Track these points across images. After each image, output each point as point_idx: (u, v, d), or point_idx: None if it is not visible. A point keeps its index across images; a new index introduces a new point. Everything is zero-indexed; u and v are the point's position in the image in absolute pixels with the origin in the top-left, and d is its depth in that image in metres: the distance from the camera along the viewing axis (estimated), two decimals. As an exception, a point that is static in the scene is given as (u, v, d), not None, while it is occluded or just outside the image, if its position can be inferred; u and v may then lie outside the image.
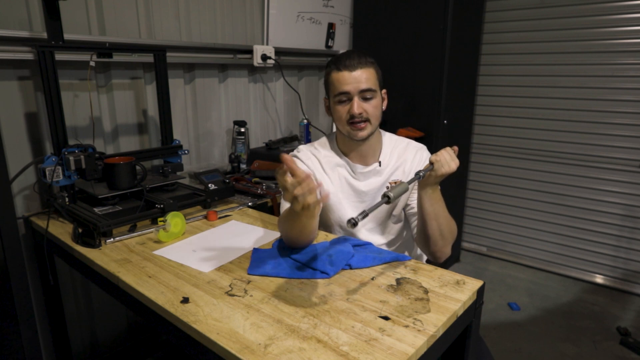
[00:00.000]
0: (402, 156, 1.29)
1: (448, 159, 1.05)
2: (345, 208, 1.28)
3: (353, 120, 1.17)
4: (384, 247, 1.31)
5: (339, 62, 1.18)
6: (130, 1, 1.64)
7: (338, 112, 1.20)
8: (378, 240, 1.31)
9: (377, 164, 1.27)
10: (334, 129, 1.32)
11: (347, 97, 1.17)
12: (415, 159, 1.28)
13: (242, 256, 1.08)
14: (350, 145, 1.26)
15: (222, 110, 2.09)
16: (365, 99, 1.17)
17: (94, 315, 1.71)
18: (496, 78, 2.80)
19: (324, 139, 1.36)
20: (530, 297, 2.52)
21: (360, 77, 1.15)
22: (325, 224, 1.32)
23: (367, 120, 1.18)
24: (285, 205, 1.17)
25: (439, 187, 1.12)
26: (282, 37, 2.25)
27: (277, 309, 0.83)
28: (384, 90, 1.25)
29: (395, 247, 1.34)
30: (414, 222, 1.25)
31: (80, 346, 1.69)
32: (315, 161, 1.29)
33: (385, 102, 1.26)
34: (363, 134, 1.19)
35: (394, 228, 1.31)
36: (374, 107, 1.18)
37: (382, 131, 1.32)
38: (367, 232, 1.30)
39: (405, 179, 1.26)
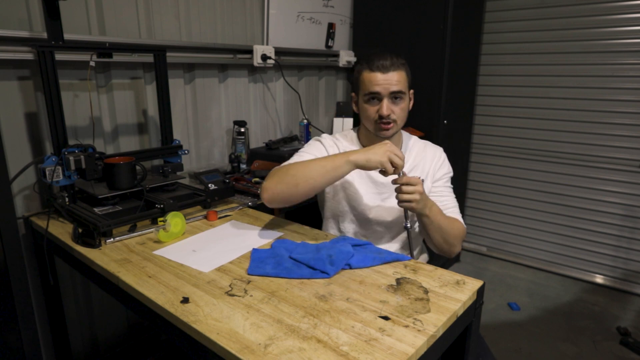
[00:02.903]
0: (421, 155, 1.33)
1: (409, 197, 1.10)
2: (361, 197, 1.30)
3: (381, 121, 1.20)
4: (394, 241, 1.34)
5: (372, 62, 1.20)
6: (130, 1, 1.64)
7: (367, 110, 1.23)
8: (386, 245, 1.32)
9: None
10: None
11: (377, 98, 1.20)
12: (434, 159, 1.32)
13: (242, 256, 1.08)
14: (374, 141, 1.27)
15: (222, 110, 2.09)
16: (395, 101, 1.20)
17: (94, 315, 1.71)
18: (496, 78, 2.80)
19: (347, 132, 1.39)
20: (530, 297, 2.52)
21: (392, 80, 1.18)
22: (338, 210, 1.34)
23: (394, 121, 1.21)
24: (302, 159, 1.20)
25: (428, 209, 1.15)
26: (282, 37, 2.25)
27: (277, 309, 0.83)
28: (411, 91, 1.28)
29: (400, 247, 1.35)
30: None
31: (80, 346, 1.69)
32: (336, 150, 1.31)
33: (411, 102, 1.29)
34: (389, 133, 1.23)
35: (403, 233, 1.33)
36: (402, 109, 1.22)
37: (402, 131, 1.35)
38: (374, 237, 1.31)
39: (424, 177, 1.31)
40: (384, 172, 1.08)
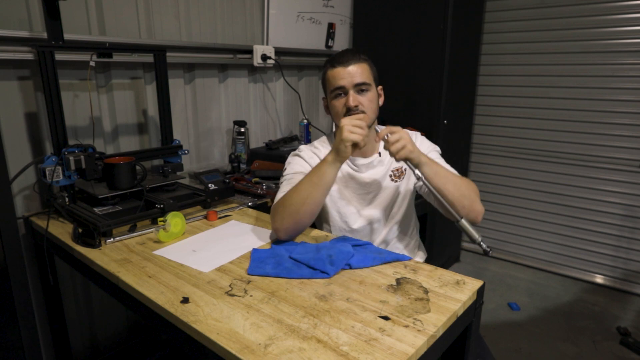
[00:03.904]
0: None
1: (400, 144, 1.05)
2: (349, 202, 1.29)
3: (350, 114, 1.20)
4: (388, 234, 1.33)
5: (333, 60, 1.23)
6: (130, 1, 1.64)
7: (335, 107, 1.24)
8: (382, 230, 1.33)
9: (377, 155, 1.30)
10: (334, 129, 1.33)
11: (343, 92, 1.21)
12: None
13: (242, 256, 1.08)
14: None
15: (222, 110, 2.09)
16: (361, 93, 1.21)
17: (94, 315, 1.71)
18: (496, 78, 2.80)
19: (323, 138, 1.38)
20: (530, 297, 2.52)
21: (355, 72, 1.19)
22: (327, 219, 1.34)
23: (363, 112, 1.20)
24: (291, 184, 1.19)
25: (425, 156, 1.09)
26: (282, 37, 2.25)
27: (277, 309, 0.83)
28: (379, 87, 1.28)
29: (396, 236, 1.35)
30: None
31: (80, 346, 1.69)
32: (317, 160, 1.30)
33: (381, 98, 1.29)
34: None
35: (398, 214, 1.33)
36: (369, 101, 1.22)
37: (379, 126, 1.35)
38: (366, 221, 1.31)
39: (406, 166, 1.25)
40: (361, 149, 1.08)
